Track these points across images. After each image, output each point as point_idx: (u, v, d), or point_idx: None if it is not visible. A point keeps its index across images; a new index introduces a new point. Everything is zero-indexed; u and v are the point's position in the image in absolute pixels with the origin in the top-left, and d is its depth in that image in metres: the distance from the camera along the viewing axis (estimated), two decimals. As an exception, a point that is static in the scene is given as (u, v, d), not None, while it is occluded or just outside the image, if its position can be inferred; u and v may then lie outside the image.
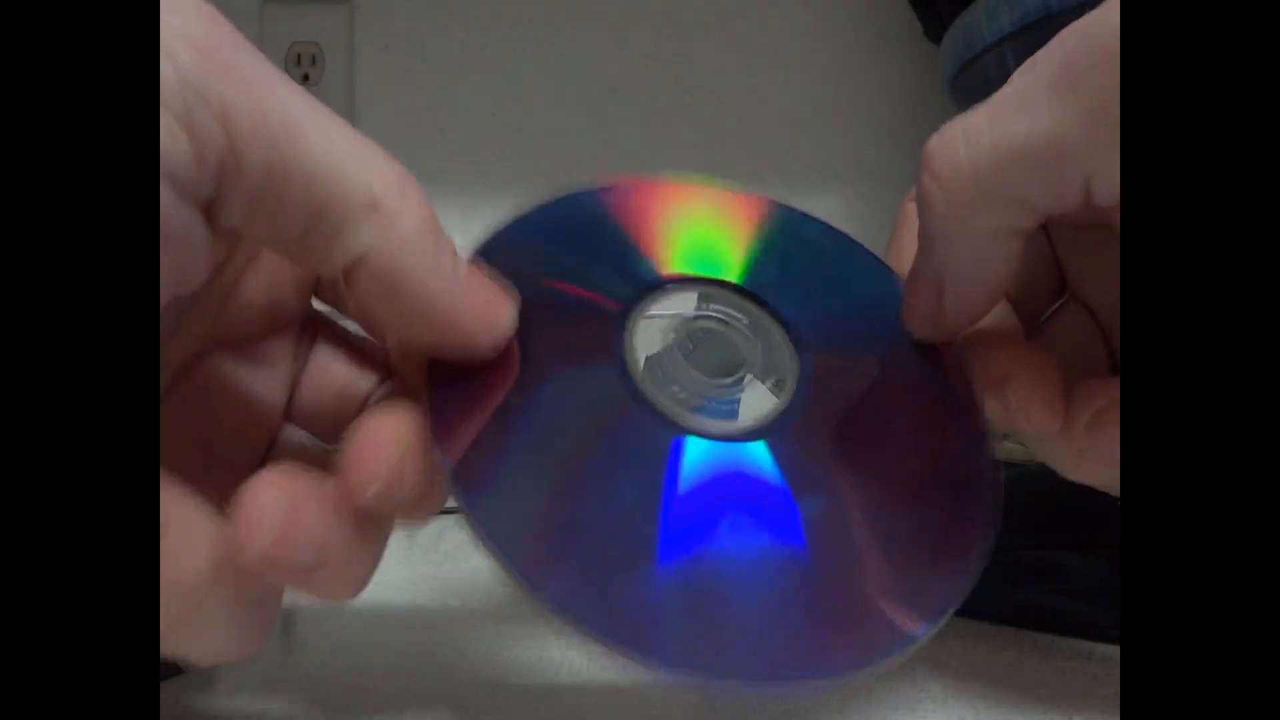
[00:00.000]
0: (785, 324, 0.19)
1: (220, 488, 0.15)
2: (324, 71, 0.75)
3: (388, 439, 0.16)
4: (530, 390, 0.17)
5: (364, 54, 0.77)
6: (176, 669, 0.23)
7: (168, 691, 0.22)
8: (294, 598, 0.16)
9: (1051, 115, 0.15)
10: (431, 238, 0.16)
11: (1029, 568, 0.25)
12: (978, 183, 0.16)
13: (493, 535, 0.15)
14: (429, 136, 0.77)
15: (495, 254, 0.18)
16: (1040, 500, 0.26)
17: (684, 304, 0.19)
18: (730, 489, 0.17)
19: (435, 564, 0.35)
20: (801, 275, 0.20)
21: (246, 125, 0.14)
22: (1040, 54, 0.16)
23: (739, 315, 0.19)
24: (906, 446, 0.18)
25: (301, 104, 0.15)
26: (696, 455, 0.17)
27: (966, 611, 0.26)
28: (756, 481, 0.17)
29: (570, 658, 0.24)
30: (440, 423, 0.16)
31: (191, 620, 0.14)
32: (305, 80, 0.75)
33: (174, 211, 0.14)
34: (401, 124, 0.77)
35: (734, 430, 0.17)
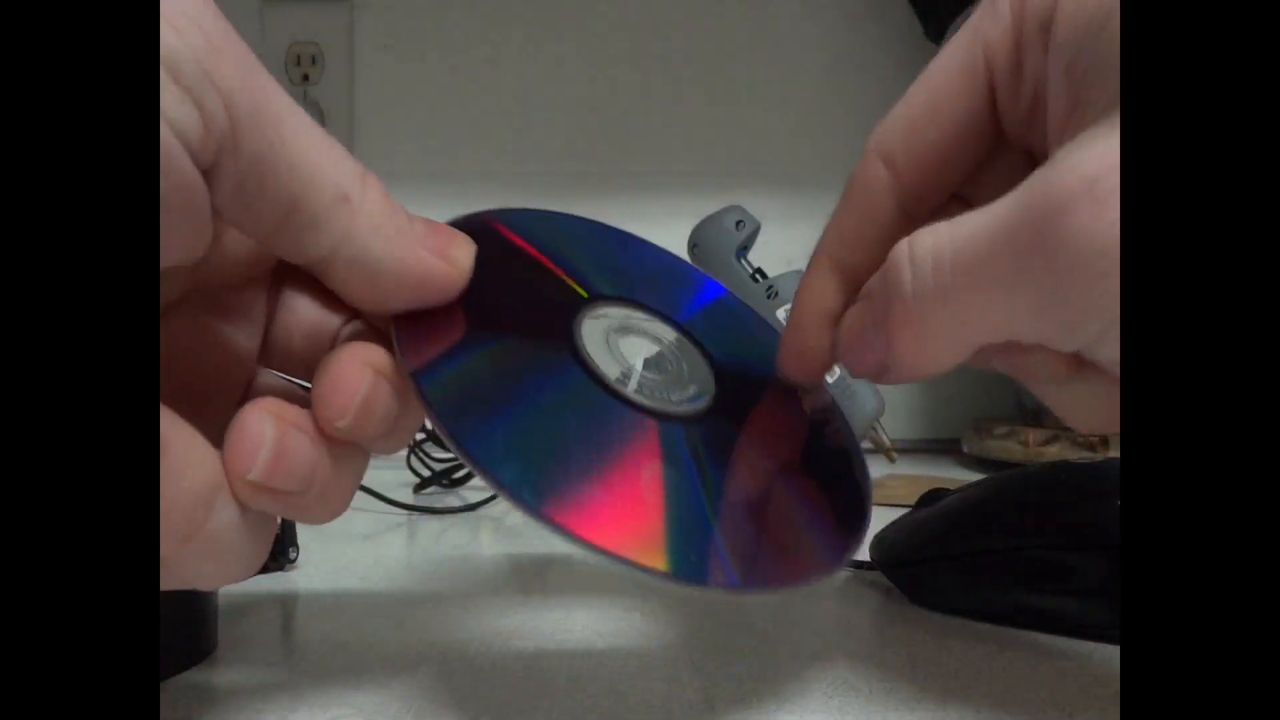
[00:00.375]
0: (710, 356, 0.23)
1: (202, 430, 0.16)
2: (324, 71, 0.76)
3: (356, 374, 0.17)
4: (487, 326, 0.20)
5: (364, 54, 0.77)
6: (176, 667, 0.23)
7: (167, 691, 0.22)
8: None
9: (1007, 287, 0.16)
10: (394, 216, 0.17)
11: (1029, 568, 0.25)
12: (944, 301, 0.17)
13: (438, 405, 0.17)
14: (428, 136, 0.77)
15: (511, 220, 0.23)
16: (1041, 500, 0.26)
17: (635, 318, 0.23)
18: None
19: (435, 563, 0.35)
20: (724, 329, 0.25)
21: (245, 112, 0.15)
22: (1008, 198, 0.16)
23: (687, 345, 0.24)
24: (788, 437, 0.23)
25: (288, 102, 0.16)
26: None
27: (967, 611, 0.27)
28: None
29: (574, 664, 0.24)
30: (406, 344, 0.18)
31: (194, 541, 0.15)
32: (305, 80, 0.75)
33: (190, 177, 0.14)
34: (401, 123, 0.77)
35: (652, 405, 0.20)
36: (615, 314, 0.23)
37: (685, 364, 0.23)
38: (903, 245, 0.17)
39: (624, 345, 0.22)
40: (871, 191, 0.20)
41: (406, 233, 0.17)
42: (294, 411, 0.16)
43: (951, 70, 0.19)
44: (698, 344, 0.23)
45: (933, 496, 0.30)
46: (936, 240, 0.17)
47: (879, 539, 0.30)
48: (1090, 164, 0.15)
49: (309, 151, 0.16)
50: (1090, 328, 0.15)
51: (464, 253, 0.19)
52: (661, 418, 0.20)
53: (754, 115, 0.77)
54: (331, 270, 0.17)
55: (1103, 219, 0.14)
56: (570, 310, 0.22)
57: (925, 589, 0.28)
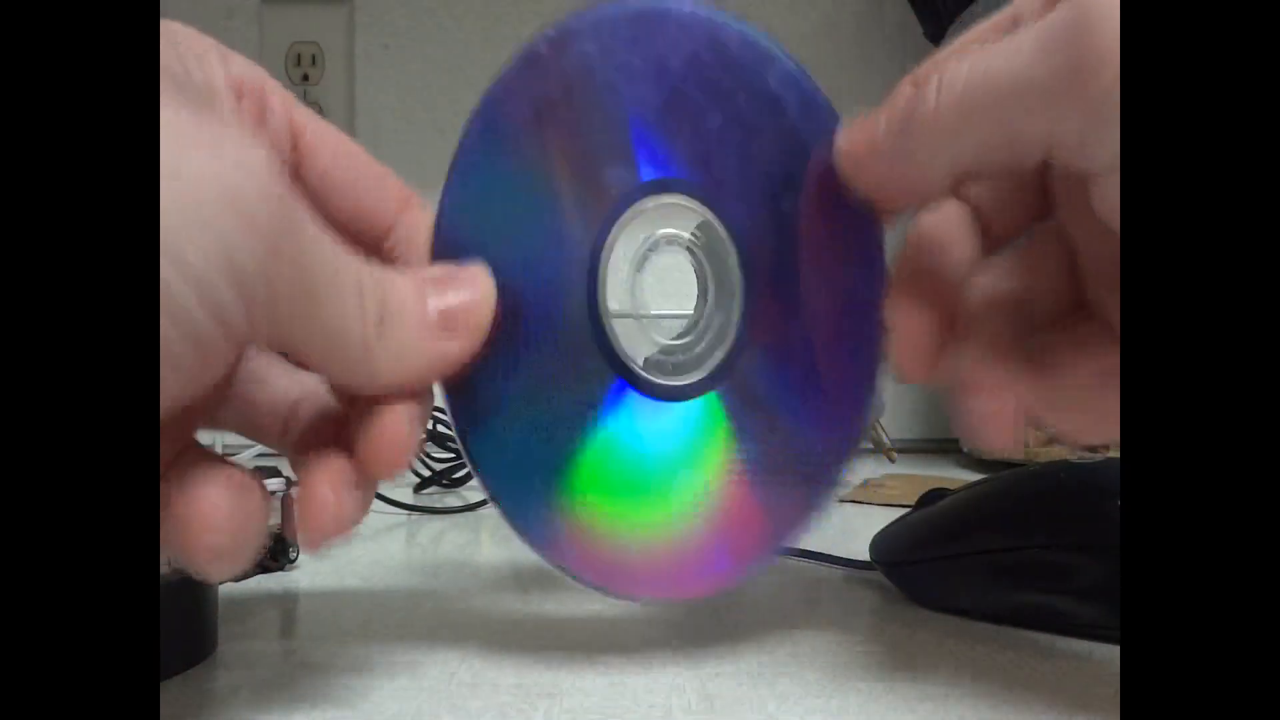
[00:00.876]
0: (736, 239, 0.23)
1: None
2: (324, 71, 0.75)
3: (408, 433, 0.19)
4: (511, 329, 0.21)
5: (364, 54, 0.77)
6: (176, 667, 0.23)
7: (168, 691, 0.22)
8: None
9: (1030, 64, 0.16)
10: (413, 337, 0.19)
11: (1029, 568, 0.25)
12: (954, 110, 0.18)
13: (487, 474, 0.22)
14: (428, 136, 0.77)
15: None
16: (1041, 500, 0.26)
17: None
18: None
19: (435, 562, 0.35)
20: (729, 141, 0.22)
21: (264, 298, 0.16)
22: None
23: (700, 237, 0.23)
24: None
25: (319, 258, 0.17)
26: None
27: (967, 611, 0.27)
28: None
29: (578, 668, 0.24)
30: (452, 406, 0.22)
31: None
32: (305, 80, 0.75)
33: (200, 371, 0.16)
34: (400, 123, 0.77)
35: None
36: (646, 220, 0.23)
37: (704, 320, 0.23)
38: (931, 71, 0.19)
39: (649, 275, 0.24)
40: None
41: (423, 345, 0.19)
42: (342, 470, 0.19)
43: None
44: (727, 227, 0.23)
45: (933, 496, 0.30)
46: (971, 67, 0.17)
47: (879, 538, 0.30)
48: None
49: (333, 321, 0.17)
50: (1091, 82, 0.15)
51: (476, 318, 0.20)
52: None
53: (754, 115, 0.77)
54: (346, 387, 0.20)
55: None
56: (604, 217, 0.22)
57: (925, 589, 0.28)
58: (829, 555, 0.33)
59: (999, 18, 0.19)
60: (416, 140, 0.76)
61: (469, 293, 0.19)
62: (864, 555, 0.31)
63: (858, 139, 0.20)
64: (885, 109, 0.20)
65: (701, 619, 0.27)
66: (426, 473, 0.54)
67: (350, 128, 0.75)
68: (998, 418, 0.19)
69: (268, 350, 0.21)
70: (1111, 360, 0.18)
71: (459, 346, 0.19)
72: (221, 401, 0.21)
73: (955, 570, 0.27)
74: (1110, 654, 0.24)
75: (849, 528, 0.42)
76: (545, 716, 0.20)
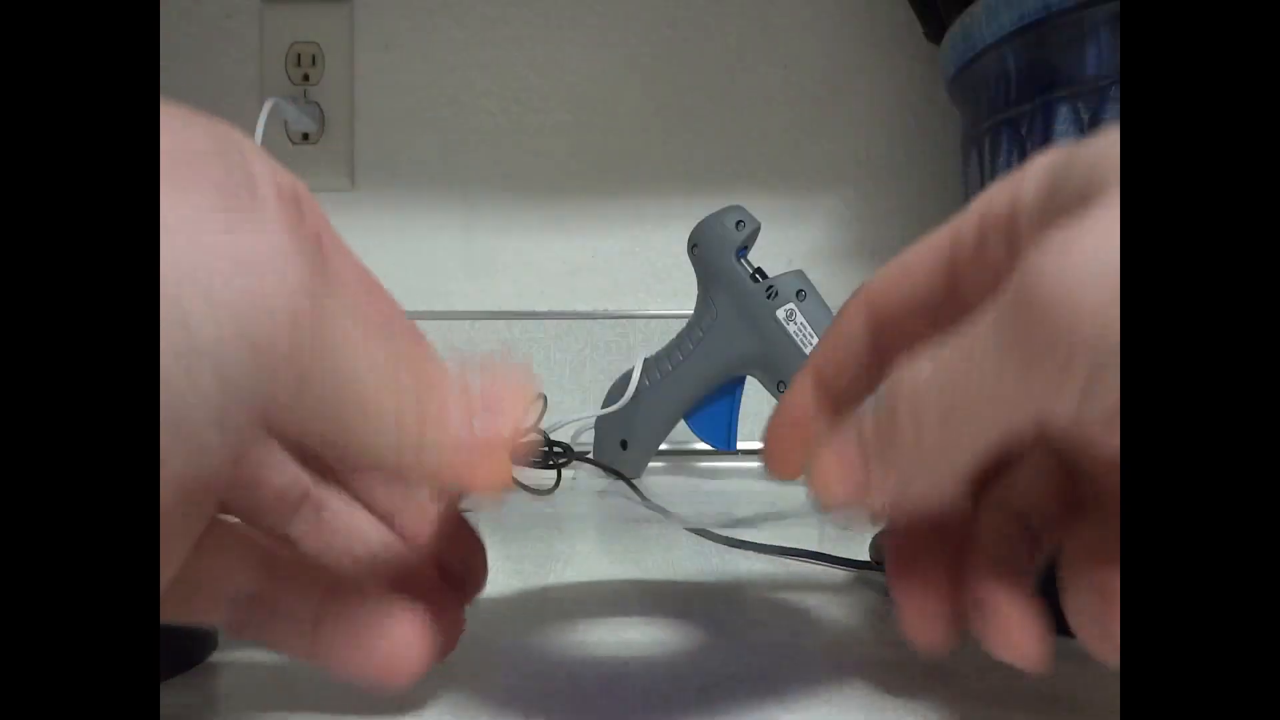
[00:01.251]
0: None
1: None
2: (324, 71, 0.75)
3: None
4: None
5: (364, 54, 0.77)
6: (176, 668, 0.23)
7: (168, 691, 0.22)
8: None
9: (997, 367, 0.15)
10: (455, 457, 0.17)
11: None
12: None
13: None
14: (428, 136, 0.77)
15: None
16: None
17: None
18: None
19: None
20: None
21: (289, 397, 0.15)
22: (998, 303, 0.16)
23: None
24: None
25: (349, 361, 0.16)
26: None
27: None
28: None
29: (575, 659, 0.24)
30: None
31: None
32: (305, 80, 0.75)
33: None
34: (401, 123, 0.77)
35: None
36: None
37: None
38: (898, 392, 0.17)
39: None
40: (851, 325, 0.21)
41: (463, 467, 0.17)
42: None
43: (930, 244, 0.20)
44: None
45: None
46: (922, 373, 0.17)
47: (879, 538, 0.30)
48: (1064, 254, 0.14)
49: (363, 430, 0.16)
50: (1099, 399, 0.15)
51: (504, 467, 0.18)
52: None
53: (754, 115, 0.77)
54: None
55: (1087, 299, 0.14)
56: None
57: None
58: (829, 555, 0.33)
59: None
60: (417, 140, 0.76)
61: (514, 419, 0.18)
62: (864, 555, 0.31)
63: (833, 476, 0.18)
64: (846, 449, 0.18)
65: (702, 619, 0.27)
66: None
67: (350, 128, 0.75)
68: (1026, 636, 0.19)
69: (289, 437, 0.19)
70: (1107, 575, 0.17)
71: (488, 483, 0.18)
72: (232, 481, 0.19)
73: None
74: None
75: (848, 527, 0.42)
76: (545, 715, 0.20)
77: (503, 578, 0.33)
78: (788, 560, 0.33)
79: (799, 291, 0.54)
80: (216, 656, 0.24)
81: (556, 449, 0.53)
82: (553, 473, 0.54)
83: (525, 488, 0.52)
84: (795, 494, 0.51)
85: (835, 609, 0.29)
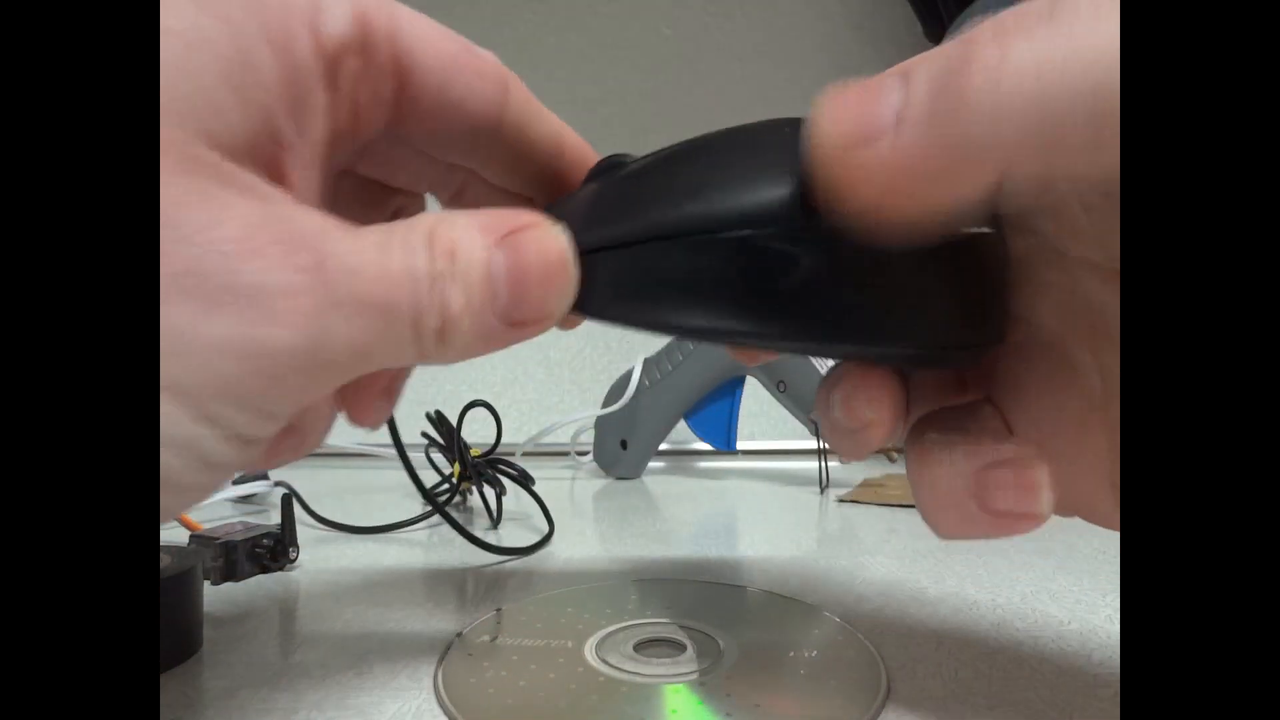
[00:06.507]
0: None
1: None
2: (324, 71, 0.75)
3: None
4: None
5: (364, 54, 0.76)
6: (176, 658, 0.23)
7: (168, 683, 0.22)
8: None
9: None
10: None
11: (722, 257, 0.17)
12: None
13: None
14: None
15: None
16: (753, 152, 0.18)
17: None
18: None
19: (433, 561, 0.35)
20: None
21: None
22: None
23: None
24: None
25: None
26: None
27: (637, 321, 0.18)
28: None
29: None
30: None
31: None
32: (305, 80, 0.75)
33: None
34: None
35: None
36: None
37: None
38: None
39: None
40: None
41: (490, 345, 0.16)
42: None
43: None
44: None
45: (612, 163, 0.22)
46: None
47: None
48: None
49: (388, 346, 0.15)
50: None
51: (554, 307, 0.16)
52: None
53: (754, 115, 0.77)
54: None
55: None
56: None
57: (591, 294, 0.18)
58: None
59: None
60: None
61: (545, 284, 0.16)
62: (863, 556, 0.30)
63: (854, 132, 0.14)
64: (907, 88, 0.14)
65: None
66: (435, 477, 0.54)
67: (350, 128, 0.75)
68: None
69: None
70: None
71: (534, 332, 0.16)
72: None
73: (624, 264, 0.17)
74: (1110, 654, 0.24)
75: (849, 527, 0.42)
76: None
77: (500, 577, 0.33)
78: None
79: (799, 291, 0.54)
80: (217, 657, 0.24)
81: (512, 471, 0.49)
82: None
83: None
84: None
85: (836, 609, 0.29)
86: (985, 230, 0.17)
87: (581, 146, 0.22)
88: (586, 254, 0.17)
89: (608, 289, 0.17)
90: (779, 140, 0.17)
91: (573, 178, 0.22)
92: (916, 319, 0.16)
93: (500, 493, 0.46)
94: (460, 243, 0.15)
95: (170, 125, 0.14)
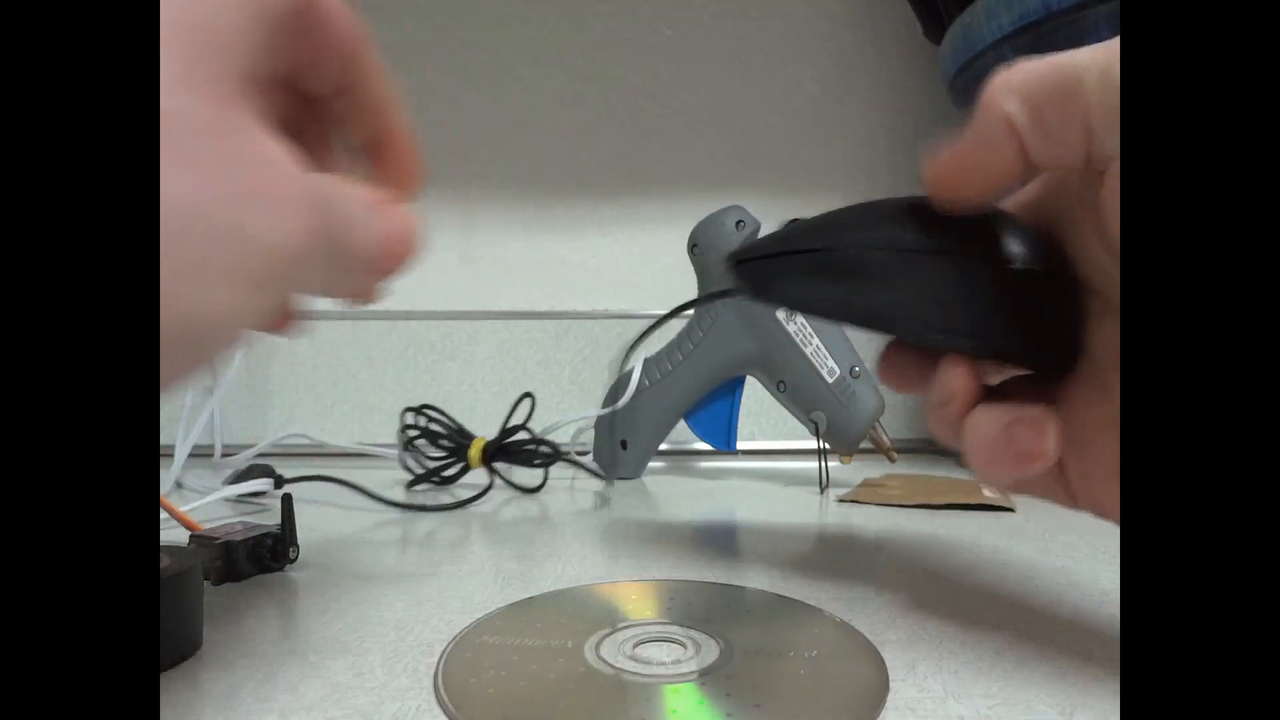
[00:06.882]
0: None
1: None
2: (324, 71, 0.75)
3: None
4: None
5: (364, 54, 0.76)
6: (176, 658, 0.23)
7: (168, 683, 0.22)
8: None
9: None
10: None
11: (851, 264, 0.26)
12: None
13: None
14: (428, 136, 0.76)
15: None
16: (890, 213, 0.27)
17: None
18: None
19: (432, 561, 0.35)
20: None
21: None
22: None
23: None
24: None
25: None
26: None
27: (800, 304, 0.27)
28: None
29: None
30: None
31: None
32: (305, 80, 0.75)
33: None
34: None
35: None
36: None
37: None
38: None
39: None
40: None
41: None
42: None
43: None
44: None
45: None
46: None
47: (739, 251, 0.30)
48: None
49: None
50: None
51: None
52: None
53: (754, 115, 0.77)
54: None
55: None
56: None
57: (765, 283, 0.28)
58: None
59: None
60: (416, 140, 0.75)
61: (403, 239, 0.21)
62: (863, 556, 0.30)
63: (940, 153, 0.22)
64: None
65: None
66: (419, 470, 0.54)
67: (350, 127, 0.75)
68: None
69: None
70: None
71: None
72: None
73: (794, 267, 0.27)
74: (1110, 654, 0.24)
75: (849, 528, 0.42)
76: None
77: (498, 576, 0.33)
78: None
79: (799, 291, 0.54)
80: (217, 657, 0.24)
81: (544, 448, 0.53)
82: (539, 471, 0.54)
83: (513, 485, 0.52)
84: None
85: (837, 611, 0.29)
86: (1069, 276, 0.23)
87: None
88: (768, 257, 0.28)
89: (777, 279, 0.28)
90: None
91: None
92: (1012, 329, 0.23)
93: (542, 464, 0.52)
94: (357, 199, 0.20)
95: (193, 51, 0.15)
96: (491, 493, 0.51)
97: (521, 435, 0.53)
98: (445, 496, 0.51)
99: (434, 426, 0.55)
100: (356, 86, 0.23)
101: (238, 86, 0.16)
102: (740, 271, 0.29)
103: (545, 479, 0.54)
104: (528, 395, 0.57)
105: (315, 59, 0.20)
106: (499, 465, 0.53)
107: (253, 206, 0.15)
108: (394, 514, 0.45)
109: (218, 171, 0.14)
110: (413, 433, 0.55)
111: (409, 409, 0.56)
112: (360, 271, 0.20)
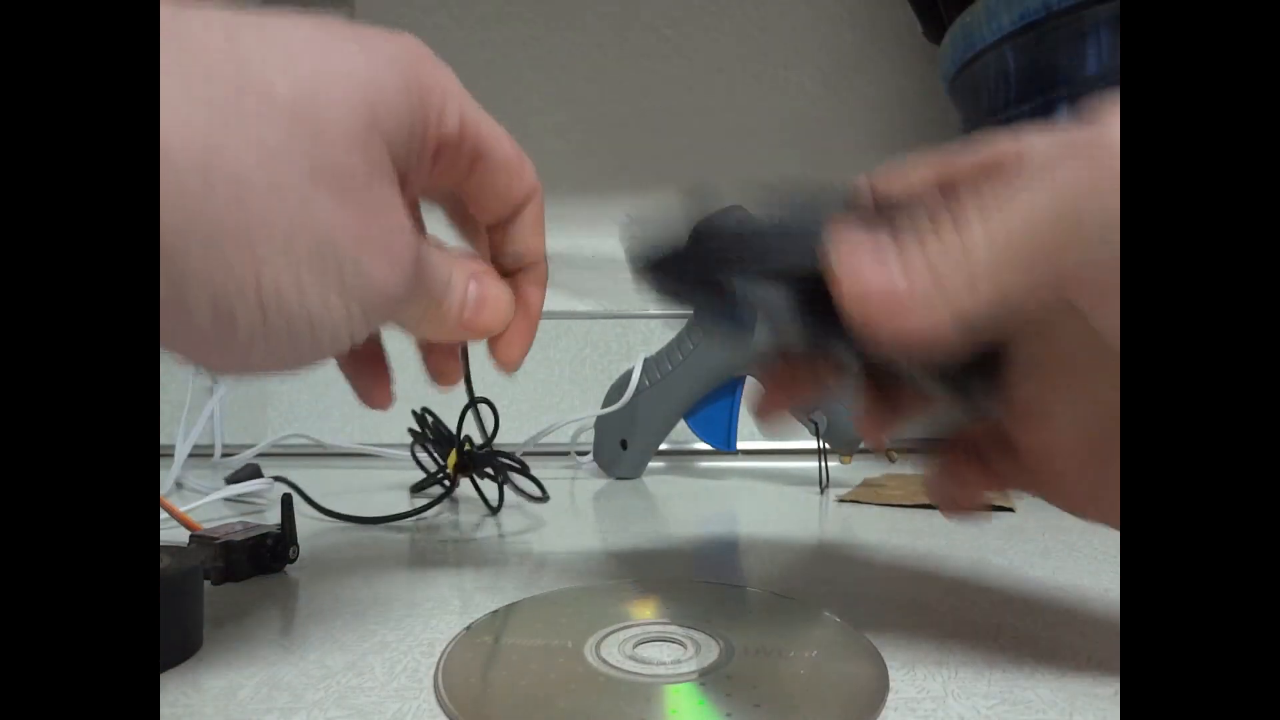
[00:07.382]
0: None
1: None
2: (324, 71, 0.75)
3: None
4: None
5: (364, 54, 0.76)
6: (176, 658, 0.23)
7: (168, 683, 0.22)
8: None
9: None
10: None
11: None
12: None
13: None
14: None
15: None
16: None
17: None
18: None
19: (433, 561, 0.35)
20: None
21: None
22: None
23: None
24: None
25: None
26: None
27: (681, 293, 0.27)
28: None
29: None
30: None
31: None
32: (305, 80, 0.75)
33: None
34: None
35: None
36: None
37: None
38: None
39: None
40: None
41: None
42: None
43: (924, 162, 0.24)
44: None
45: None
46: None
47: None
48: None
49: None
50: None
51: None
52: None
53: (754, 115, 0.77)
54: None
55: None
56: None
57: (678, 299, 0.26)
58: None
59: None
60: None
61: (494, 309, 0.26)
62: (863, 556, 0.30)
63: (874, 285, 0.19)
64: (896, 254, 0.19)
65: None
66: (422, 474, 0.54)
67: (350, 127, 0.75)
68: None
69: None
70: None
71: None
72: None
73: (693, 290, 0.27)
74: (1110, 654, 0.24)
75: (849, 528, 0.42)
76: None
77: (499, 577, 0.33)
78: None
79: (799, 291, 0.54)
80: (217, 657, 0.24)
81: (503, 459, 0.50)
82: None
83: (522, 493, 0.52)
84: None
85: (837, 613, 0.29)
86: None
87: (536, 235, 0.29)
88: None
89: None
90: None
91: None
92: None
93: (502, 480, 0.46)
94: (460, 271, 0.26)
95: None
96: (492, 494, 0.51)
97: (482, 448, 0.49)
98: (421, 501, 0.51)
99: (428, 432, 0.55)
100: (512, 231, 0.27)
101: (391, 169, 0.20)
102: (650, 281, 0.26)
103: (501, 499, 0.48)
104: (484, 401, 0.49)
105: (478, 194, 0.26)
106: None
107: (372, 249, 0.19)
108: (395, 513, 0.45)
109: (358, 214, 0.19)
110: (416, 436, 0.55)
111: (414, 412, 0.55)
112: (451, 325, 0.26)
